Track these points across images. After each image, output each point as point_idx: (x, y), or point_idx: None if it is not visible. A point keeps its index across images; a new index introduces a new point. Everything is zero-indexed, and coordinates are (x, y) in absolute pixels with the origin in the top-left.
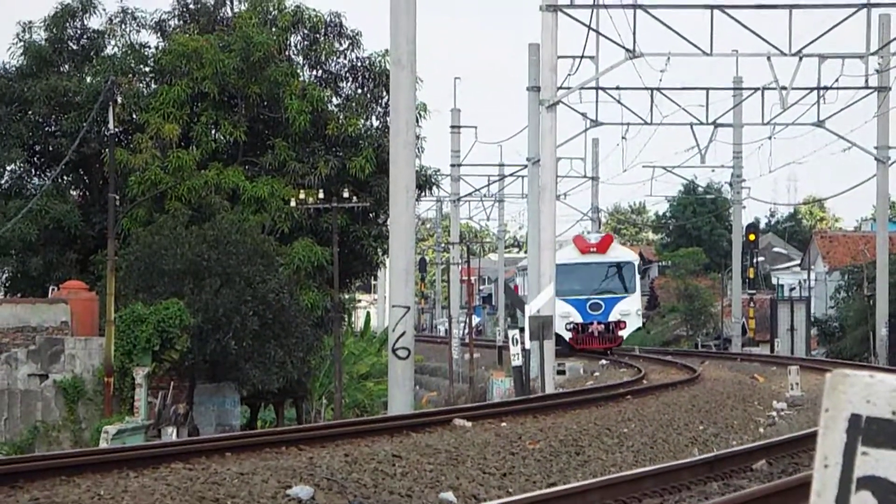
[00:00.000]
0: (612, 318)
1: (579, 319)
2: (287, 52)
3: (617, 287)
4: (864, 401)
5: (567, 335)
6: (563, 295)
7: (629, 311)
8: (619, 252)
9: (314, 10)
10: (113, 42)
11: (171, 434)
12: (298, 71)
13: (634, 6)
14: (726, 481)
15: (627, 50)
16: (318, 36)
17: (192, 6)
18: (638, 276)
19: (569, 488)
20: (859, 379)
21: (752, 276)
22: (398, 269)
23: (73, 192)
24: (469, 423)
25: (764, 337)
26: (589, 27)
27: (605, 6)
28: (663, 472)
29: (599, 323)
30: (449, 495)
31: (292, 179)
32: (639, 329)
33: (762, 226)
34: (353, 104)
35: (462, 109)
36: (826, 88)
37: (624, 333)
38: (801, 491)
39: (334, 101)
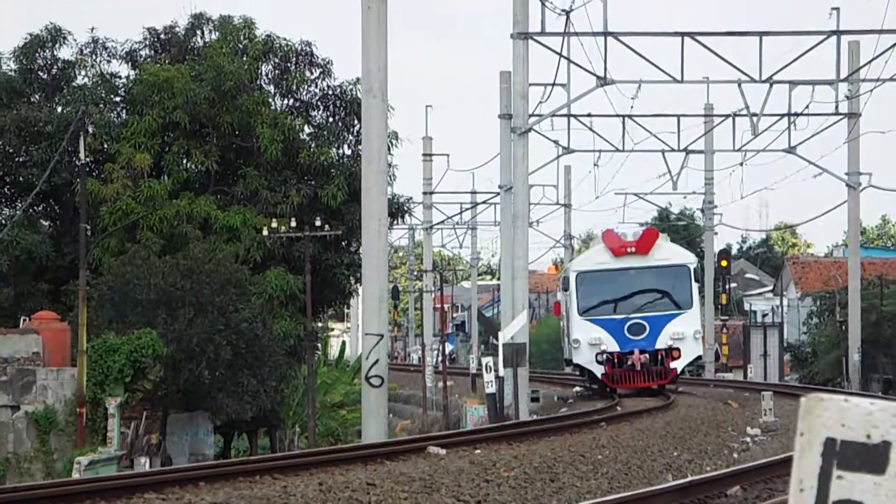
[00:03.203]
0: (661, 344)
1: (615, 348)
2: (258, 81)
3: (667, 302)
4: (839, 424)
5: (598, 370)
6: (592, 314)
7: (684, 334)
8: (669, 252)
9: (285, 39)
10: (83, 72)
11: (144, 464)
12: (270, 100)
13: (605, 34)
14: None
15: (598, 77)
16: (289, 65)
17: (162, 36)
18: (696, 286)
19: None
20: (834, 403)
21: (724, 301)
22: (371, 297)
23: (44, 223)
24: (443, 451)
25: (737, 363)
26: (560, 55)
27: (577, 34)
28: (637, 499)
29: (643, 352)
30: None
31: (264, 208)
32: (698, 359)
33: (734, 252)
34: (325, 133)
35: (434, 137)
36: (797, 115)
37: (678, 365)
38: None
39: (306, 129)
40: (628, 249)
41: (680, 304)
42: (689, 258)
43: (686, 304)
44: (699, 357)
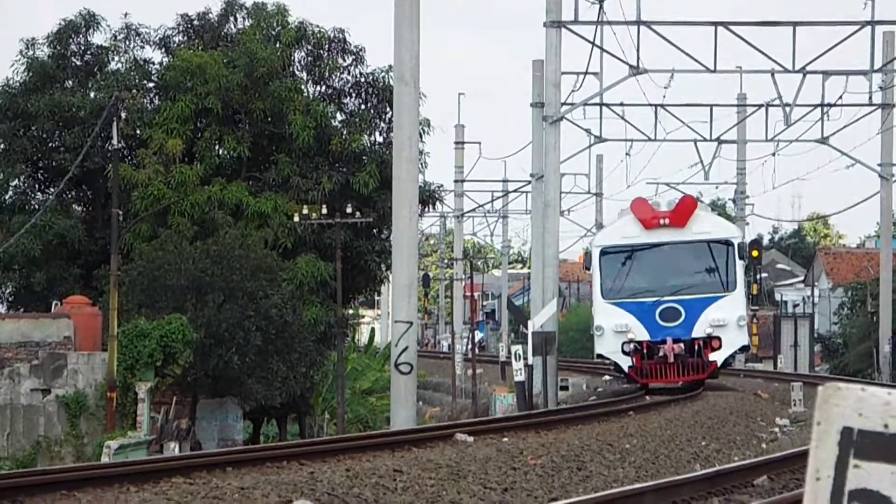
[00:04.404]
0: (699, 332)
1: (644, 336)
2: (291, 68)
3: (706, 282)
4: (856, 414)
5: (625, 362)
6: (618, 296)
7: (726, 320)
8: (709, 224)
9: (318, 26)
10: (117, 58)
11: (173, 449)
12: (302, 87)
13: (638, 23)
14: (727, 496)
15: (631, 66)
16: (321, 52)
17: (196, 22)
18: (741, 264)
19: (570, 503)
20: (851, 392)
21: (755, 292)
22: (401, 284)
23: (77, 208)
24: (471, 438)
25: (767, 353)
26: (593, 43)
27: (609, 23)
28: (664, 487)
29: (677, 341)
30: None
31: (296, 195)
32: (743, 349)
33: (766, 242)
34: (357, 120)
35: (466, 125)
36: (830, 105)
37: (719, 357)
38: None
39: (338, 116)
40: (661, 221)
41: (722, 285)
42: (732, 231)
43: (729, 286)
44: (745, 347)
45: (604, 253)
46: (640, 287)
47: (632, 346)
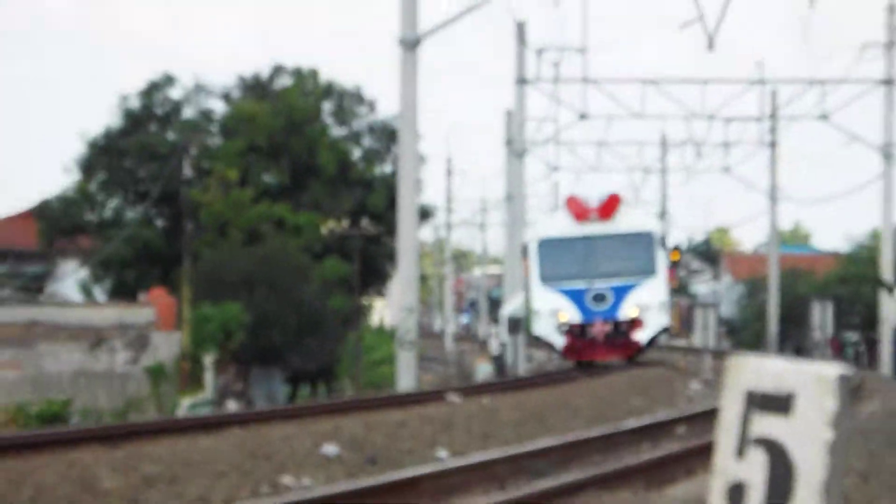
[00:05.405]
0: (625, 314)
1: (577, 319)
2: (321, 116)
3: (630, 268)
4: (756, 379)
5: (559, 342)
6: (552, 281)
7: (649, 303)
8: (633, 218)
9: (341, 84)
10: (189, 108)
11: (231, 406)
12: (329, 130)
13: (585, 80)
14: (654, 443)
15: (581, 114)
16: (344, 103)
17: (249, 81)
18: (661, 252)
19: (536, 447)
20: (753, 362)
21: (675, 286)
22: (405, 279)
23: (158, 223)
24: (459, 399)
25: (684, 332)
26: (550, 97)
27: (563, 80)
28: (608, 435)
29: (606, 321)
30: (442, 452)
31: (324, 212)
32: (665, 330)
33: (683, 248)
34: (371, 155)
35: (456, 154)
36: (730, 143)
37: (642, 336)
38: (711, 449)
39: (356, 152)
40: (591, 215)
41: (645, 270)
42: (652, 224)
43: (650, 271)
44: (666, 329)
45: (541, 244)
46: (571, 273)
47: (566, 328)
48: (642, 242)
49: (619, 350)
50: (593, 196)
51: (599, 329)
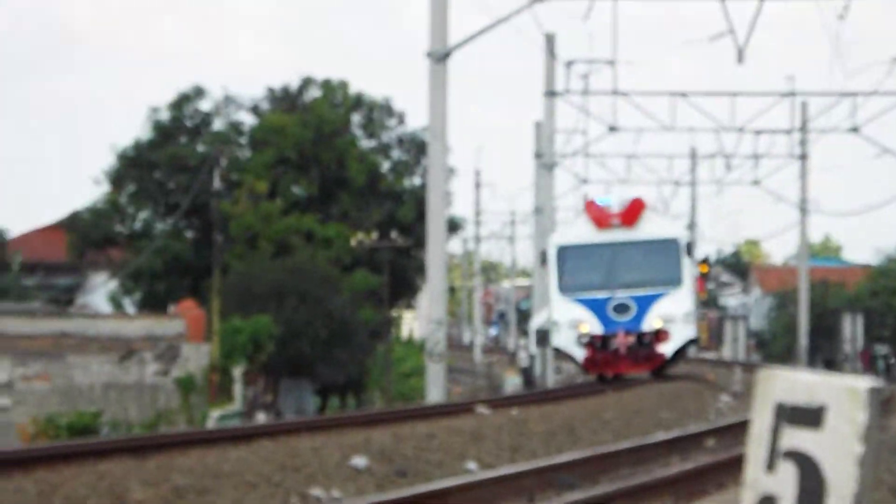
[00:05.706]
0: (649, 326)
1: (598, 330)
2: (349, 127)
3: (654, 277)
4: (786, 392)
5: (579, 354)
6: (572, 291)
7: (675, 314)
8: (657, 224)
9: (370, 96)
10: (218, 120)
11: (260, 418)
12: (358, 142)
13: (615, 93)
14: (684, 455)
15: (610, 126)
16: (373, 115)
17: (278, 93)
18: (688, 261)
19: (565, 459)
20: (782, 375)
21: (704, 297)
22: (434, 291)
23: (188, 234)
24: (488, 411)
25: (713, 345)
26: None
27: (593, 93)
28: (636, 448)
29: (628, 333)
30: (471, 464)
31: (353, 224)
32: (692, 342)
33: (712, 260)
34: (400, 167)
35: (485, 168)
36: (760, 156)
37: (667, 349)
38: (741, 462)
39: (385, 164)
40: (613, 221)
41: (670, 280)
42: (678, 231)
43: (676, 281)
44: (693, 341)
45: (560, 251)
46: (593, 283)
47: (586, 339)
48: (667, 250)
49: (643, 363)
50: (615, 201)
51: (622, 341)
